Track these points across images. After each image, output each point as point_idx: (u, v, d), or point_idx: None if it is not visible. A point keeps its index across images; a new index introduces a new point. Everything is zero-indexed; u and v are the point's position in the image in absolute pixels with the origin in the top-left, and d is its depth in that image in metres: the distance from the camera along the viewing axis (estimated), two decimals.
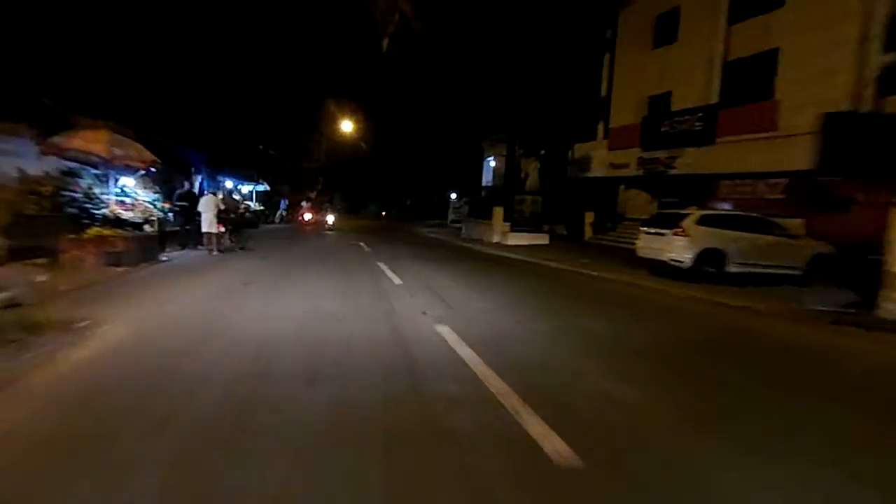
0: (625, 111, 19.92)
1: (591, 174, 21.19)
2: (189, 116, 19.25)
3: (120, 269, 8.41)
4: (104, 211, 9.46)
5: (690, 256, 9.94)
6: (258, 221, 22.94)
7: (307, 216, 27.94)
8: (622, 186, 20.71)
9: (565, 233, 20.78)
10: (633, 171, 18.76)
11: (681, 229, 10.06)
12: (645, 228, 11.32)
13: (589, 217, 20.66)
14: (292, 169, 38.48)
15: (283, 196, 28.31)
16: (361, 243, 16.43)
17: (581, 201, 21.14)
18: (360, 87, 41.37)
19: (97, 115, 10.56)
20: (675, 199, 18.53)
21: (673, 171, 16.95)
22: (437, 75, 35.85)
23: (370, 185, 49.73)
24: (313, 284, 8.10)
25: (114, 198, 9.94)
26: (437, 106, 38.61)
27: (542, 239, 19.63)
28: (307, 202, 29.32)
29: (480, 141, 33.19)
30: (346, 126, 41.22)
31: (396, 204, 53.84)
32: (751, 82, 14.66)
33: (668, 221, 10.63)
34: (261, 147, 26.90)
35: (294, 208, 29.80)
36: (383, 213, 48.71)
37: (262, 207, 24.80)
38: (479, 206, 23.06)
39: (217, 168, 20.95)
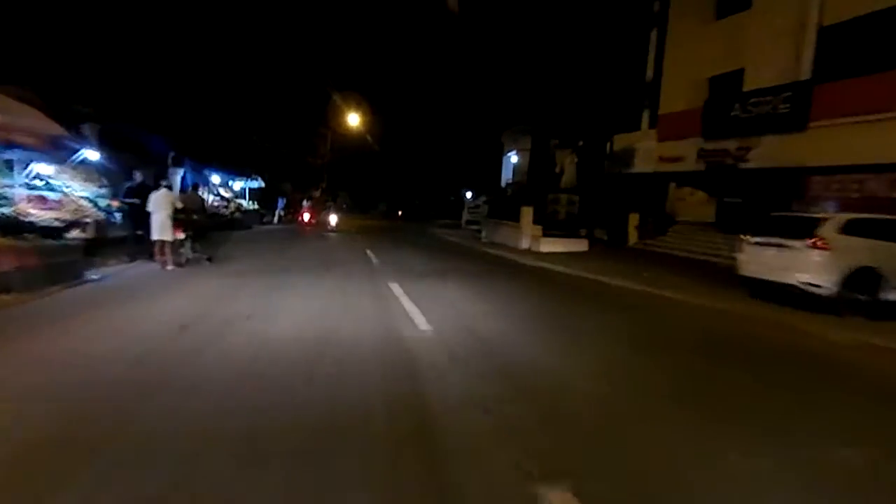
0: (677, 96, 16.91)
1: (633, 170, 18.20)
2: (166, 102, 16.57)
3: (7, 297, 5.64)
4: (4, 210, 6.70)
5: (835, 279, 6.98)
6: (251, 222, 20.21)
7: (307, 216, 25.26)
8: (673, 184, 17.71)
9: (605, 238, 17.82)
10: (689, 165, 15.76)
11: (819, 239, 7.10)
12: (750, 237, 8.34)
13: (633, 220, 17.68)
14: (295, 165, 35.87)
15: (281, 194, 25.56)
16: (368, 251, 13.61)
17: (623, 201, 18.16)
18: (368, 78, 38.66)
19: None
20: (738, 198, 15.60)
21: (746, 165, 13.94)
22: (453, 61, 33.01)
23: (379, 184, 46.93)
24: (296, 326, 5.26)
25: (24, 192, 7.19)
26: (451, 98, 35.80)
27: (581, 245, 16.71)
28: (308, 201, 26.59)
29: (499, 135, 30.28)
30: (353, 120, 38.61)
31: (405, 203, 51.08)
32: (862, 50, 11.63)
33: (792, 228, 7.66)
34: (256, 139, 24.12)
35: (294, 207, 27.09)
36: (399, 213, 45.70)
37: (256, 206, 22.05)
38: (503, 205, 20.15)
39: (204, 161, 18.22)
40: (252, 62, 25.62)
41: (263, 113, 26.66)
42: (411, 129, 38.33)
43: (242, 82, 24.12)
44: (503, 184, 29.22)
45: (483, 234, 21.93)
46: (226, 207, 17.84)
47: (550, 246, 16.31)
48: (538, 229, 17.01)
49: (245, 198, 22.40)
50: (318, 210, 26.23)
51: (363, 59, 40.12)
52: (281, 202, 24.81)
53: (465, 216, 31.08)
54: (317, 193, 40.26)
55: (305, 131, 34.75)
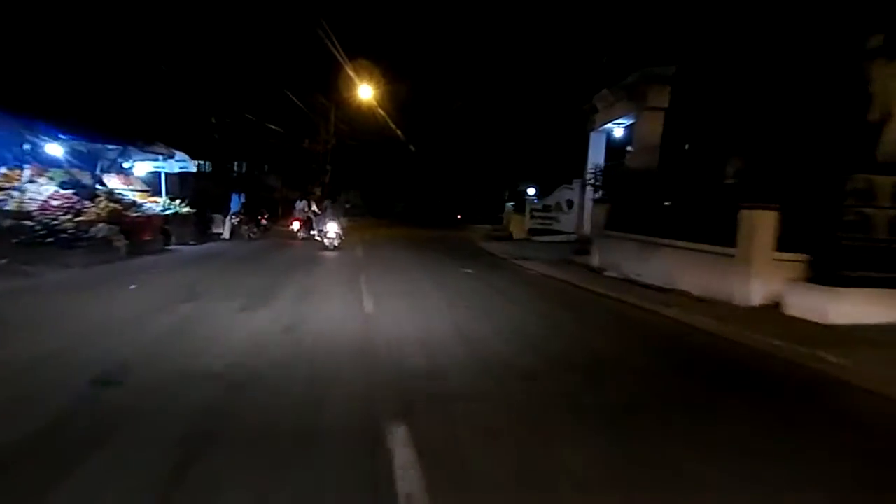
0: None
1: None
2: None
3: None
4: None
5: None
6: (175, 239, 10.47)
7: (296, 226, 15.66)
8: None
9: None
10: None
11: None
12: None
13: None
14: (284, 150, 26.40)
15: (238, 189, 15.51)
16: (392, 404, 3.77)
17: None
18: (383, 30, 28.69)
19: None
20: None
21: None
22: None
23: (396, 178, 36.69)
24: None
25: None
26: (499, 58, 25.61)
27: None
28: (303, 200, 16.88)
29: (580, 103, 20.01)
30: (365, 92, 29.01)
31: (429, 203, 41.40)
32: None
33: None
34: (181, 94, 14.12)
35: (275, 210, 17.48)
36: (458, 217, 35.16)
37: (186, 209, 12.21)
38: (647, 208, 10.13)
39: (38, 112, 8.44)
40: None
41: (223, 64, 17.00)
42: (440, 103, 28.04)
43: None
44: (592, 170, 19.11)
45: (595, 260, 11.83)
46: (69, 212, 8.04)
47: (860, 310, 6.12)
48: (795, 265, 6.90)
49: (162, 192, 12.52)
50: (314, 215, 16.48)
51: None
52: (236, 201, 14.81)
53: (527, 222, 21.05)
54: (317, 192, 30.58)
55: (302, 105, 25.10)
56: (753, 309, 7.06)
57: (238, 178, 16.97)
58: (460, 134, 28.20)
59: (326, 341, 4.88)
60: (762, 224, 7.20)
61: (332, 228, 13.88)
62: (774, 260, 7.17)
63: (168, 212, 11.38)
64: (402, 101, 29.89)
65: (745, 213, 7.35)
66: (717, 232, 7.83)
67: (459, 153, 30.40)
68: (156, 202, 11.53)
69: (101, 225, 8.31)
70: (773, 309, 6.96)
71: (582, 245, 15.11)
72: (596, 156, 19.39)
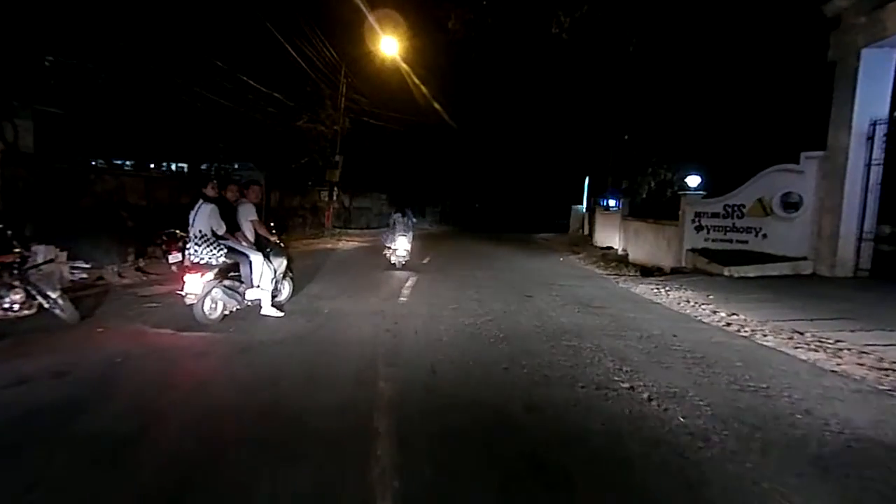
0: None
1: None
2: None
3: None
4: None
5: None
6: None
7: (191, 288, 4.79)
8: None
9: None
10: None
11: None
12: None
13: None
14: (269, 132, 17.46)
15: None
16: None
17: None
18: None
19: None
20: None
21: None
22: None
23: (432, 174, 26.89)
24: None
25: None
26: None
27: None
28: (208, 206, 4.96)
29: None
30: (388, 47, 20.05)
31: (470, 204, 32.12)
32: None
33: None
34: None
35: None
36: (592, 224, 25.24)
37: None
38: None
39: None
40: None
41: None
42: (511, 42, 17.74)
43: None
44: (876, 122, 9.02)
45: None
46: None
47: None
48: None
49: None
50: (264, 233, 5.54)
51: None
52: None
53: (688, 236, 11.21)
54: (327, 199, 21.09)
55: (288, 46, 15.83)
56: None
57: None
58: (542, 94, 18.21)
59: None
60: None
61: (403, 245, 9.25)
62: None
63: None
64: (443, 52, 20.28)
65: None
66: None
67: (533, 125, 20.48)
68: None
69: None
70: None
71: None
72: (872, 98, 9.26)
